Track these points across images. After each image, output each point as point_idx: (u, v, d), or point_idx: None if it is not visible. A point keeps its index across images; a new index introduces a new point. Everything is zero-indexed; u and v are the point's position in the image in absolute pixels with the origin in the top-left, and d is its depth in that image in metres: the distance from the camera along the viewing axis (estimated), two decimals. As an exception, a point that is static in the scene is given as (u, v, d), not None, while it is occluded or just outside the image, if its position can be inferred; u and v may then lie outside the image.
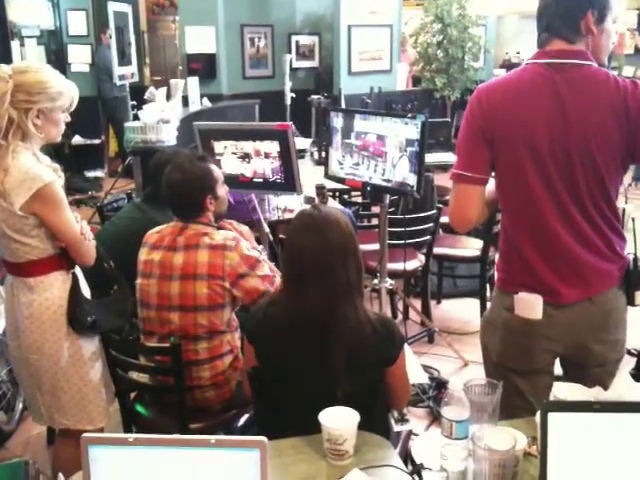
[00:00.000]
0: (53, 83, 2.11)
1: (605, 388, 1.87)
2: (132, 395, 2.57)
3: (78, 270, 2.27)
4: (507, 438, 1.48)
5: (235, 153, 3.29)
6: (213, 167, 2.54)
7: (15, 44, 6.84)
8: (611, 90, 1.79)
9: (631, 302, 1.97)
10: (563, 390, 1.69)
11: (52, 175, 2.10)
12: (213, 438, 1.22)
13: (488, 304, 4.24)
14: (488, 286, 4.30)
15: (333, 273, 1.77)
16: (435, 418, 3.22)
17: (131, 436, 1.25)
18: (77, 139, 8.39)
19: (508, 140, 1.85)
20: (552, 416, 1.33)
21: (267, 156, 3.23)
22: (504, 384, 1.95)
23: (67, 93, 2.16)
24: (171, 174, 2.45)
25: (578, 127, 1.80)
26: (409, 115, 2.99)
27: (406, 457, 2.07)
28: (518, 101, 1.84)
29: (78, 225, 2.18)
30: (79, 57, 8.66)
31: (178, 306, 2.35)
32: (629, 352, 2.39)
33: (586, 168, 1.82)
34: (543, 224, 1.86)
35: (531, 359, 1.97)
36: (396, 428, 2.07)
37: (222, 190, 2.55)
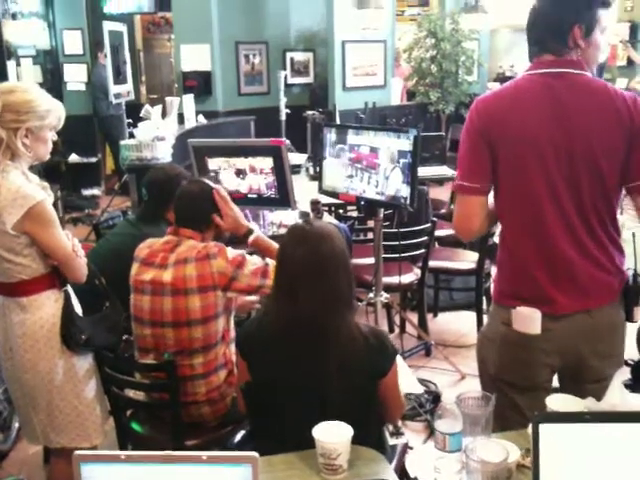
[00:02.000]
0: (41, 102, 2.13)
1: (599, 400, 1.88)
2: (128, 412, 2.57)
3: (70, 288, 2.27)
4: (500, 450, 1.48)
5: (228, 169, 3.31)
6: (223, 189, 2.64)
7: (11, 64, 6.86)
8: (612, 98, 1.83)
9: (630, 318, 1.97)
10: (556, 401, 1.69)
11: (42, 193, 2.11)
12: (205, 454, 1.22)
13: (485, 317, 4.25)
14: (485, 298, 4.31)
15: (324, 286, 1.77)
16: (432, 432, 3.21)
17: (123, 453, 1.25)
18: (73, 157, 8.42)
19: (511, 147, 1.86)
20: (544, 427, 1.33)
21: (261, 172, 3.25)
22: (500, 398, 1.95)
23: (55, 112, 2.18)
24: (189, 185, 2.58)
25: (581, 131, 1.82)
26: (402, 130, 3.01)
27: (402, 471, 2.07)
28: (517, 108, 1.86)
29: (69, 242, 2.18)
30: (75, 76, 8.70)
31: (171, 322, 2.35)
32: (625, 363, 2.39)
33: (591, 174, 1.83)
34: (545, 232, 1.87)
35: (530, 374, 1.97)
36: (391, 442, 2.07)
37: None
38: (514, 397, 1.98)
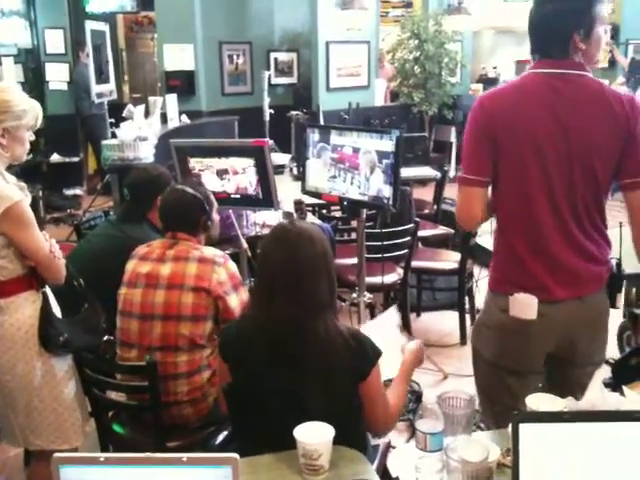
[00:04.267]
0: (18, 102, 2.12)
1: (583, 391, 1.97)
2: (109, 414, 2.55)
3: (48, 289, 2.26)
4: (480, 449, 1.49)
5: (210, 169, 3.30)
6: (210, 194, 2.66)
7: (-8, 63, 6.80)
8: (609, 99, 1.91)
9: (613, 304, 2.09)
10: (536, 401, 1.70)
11: (20, 194, 2.10)
12: (185, 456, 1.22)
13: (467, 316, 4.28)
14: (467, 298, 4.33)
15: (302, 289, 1.76)
16: (414, 431, 3.22)
17: (102, 455, 1.24)
18: (55, 157, 8.34)
19: (511, 143, 1.93)
20: (523, 427, 1.33)
21: (244, 172, 3.24)
22: (496, 384, 2.04)
23: (32, 111, 2.16)
24: (174, 191, 2.58)
25: (578, 130, 1.89)
26: (385, 130, 3.02)
27: (384, 471, 2.07)
28: (519, 105, 1.93)
29: (47, 243, 2.17)
30: (57, 75, 8.62)
31: (161, 315, 2.36)
32: (606, 361, 2.43)
33: (585, 172, 1.92)
34: (538, 225, 1.96)
35: (527, 359, 2.06)
36: (373, 441, 2.07)
37: (215, 216, 2.65)
38: (510, 382, 2.06)
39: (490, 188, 2.04)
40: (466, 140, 2.03)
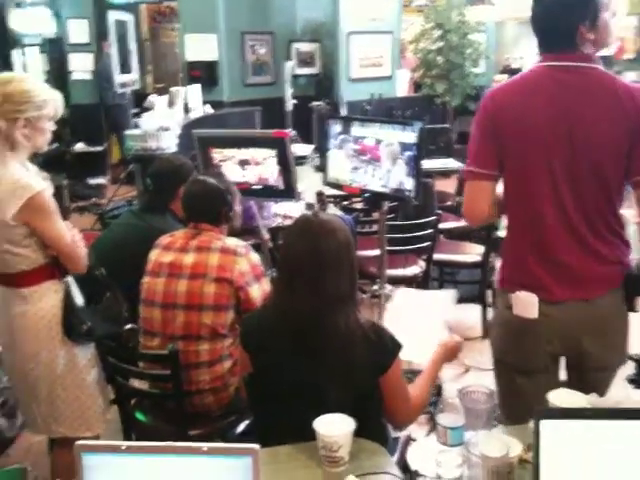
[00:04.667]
0: (38, 92, 2.13)
1: (604, 394, 1.88)
2: (132, 402, 2.58)
3: (70, 278, 2.27)
4: (501, 445, 1.48)
5: (232, 160, 3.31)
6: (232, 184, 2.68)
7: (17, 52, 6.87)
8: (618, 93, 1.84)
9: (631, 308, 1.99)
10: (558, 397, 1.68)
11: (42, 183, 2.12)
12: (205, 445, 1.22)
13: (489, 310, 4.25)
14: (490, 291, 4.30)
15: (323, 281, 1.75)
16: (435, 424, 3.21)
17: (124, 444, 1.25)
18: (80, 146, 8.42)
19: (515, 137, 1.90)
20: (544, 423, 1.32)
21: (266, 163, 3.24)
22: (500, 380, 2.00)
23: (52, 102, 2.18)
24: (196, 181, 2.60)
25: (584, 126, 1.84)
26: (407, 122, 3.01)
27: (404, 464, 2.07)
28: (525, 99, 1.89)
29: (69, 233, 2.18)
30: (80, 65, 8.70)
31: (184, 304, 2.38)
32: (630, 357, 2.39)
33: (593, 169, 1.86)
34: (543, 225, 1.91)
35: (528, 358, 2.02)
36: (394, 434, 2.07)
37: (238, 207, 2.66)
38: (516, 380, 2.04)
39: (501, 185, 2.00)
40: (473, 133, 1.99)
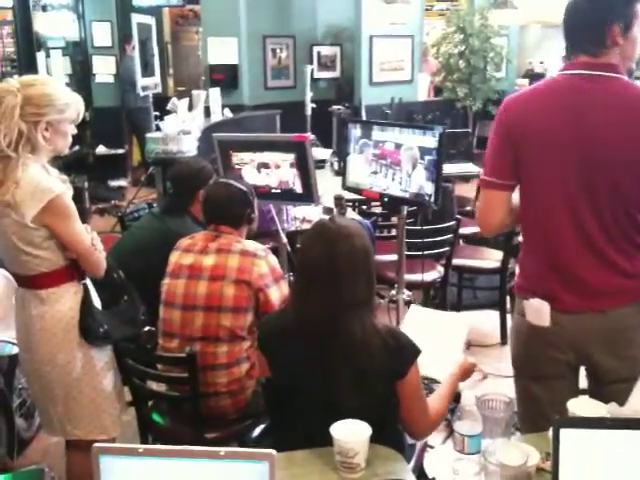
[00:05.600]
0: (60, 95, 2.14)
1: (623, 404, 1.85)
2: (149, 403, 2.59)
3: (88, 281, 2.29)
4: (520, 453, 1.46)
5: (251, 164, 3.32)
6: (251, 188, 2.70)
7: (41, 55, 6.94)
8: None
9: None
10: (578, 405, 1.66)
11: (62, 186, 2.13)
12: (222, 450, 1.23)
13: (508, 316, 4.22)
14: (508, 298, 4.27)
15: (340, 286, 1.74)
16: (452, 431, 3.19)
17: (141, 447, 1.25)
18: (101, 149, 8.50)
19: (531, 148, 1.87)
20: (564, 432, 1.31)
21: (285, 166, 3.25)
22: (520, 389, 1.99)
23: (74, 105, 2.19)
24: (219, 185, 2.63)
25: (603, 140, 1.80)
26: (428, 126, 3.00)
27: (420, 471, 2.06)
28: (542, 109, 1.86)
29: (88, 236, 2.20)
30: (103, 68, 8.78)
31: (203, 306, 2.39)
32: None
33: (610, 183, 1.82)
34: (556, 235, 1.88)
35: (539, 365, 2.01)
36: (410, 441, 2.05)
37: (256, 209, 2.68)
38: (531, 387, 2.03)
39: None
40: (489, 142, 1.97)
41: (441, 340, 2.08)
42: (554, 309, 1.91)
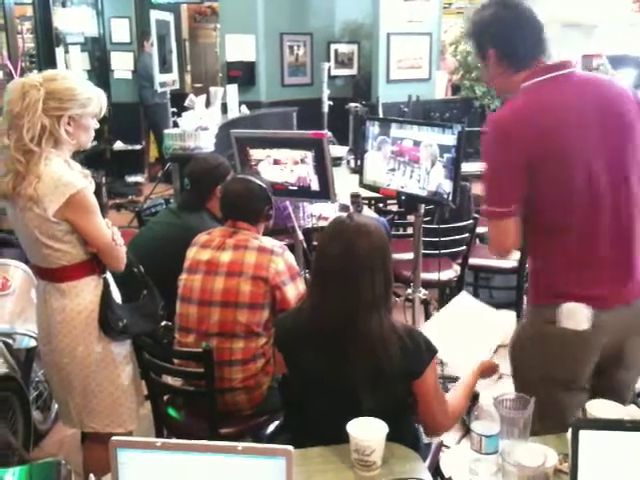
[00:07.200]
0: (82, 90, 2.15)
1: (629, 391, 1.93)
2: (164, 398, 2.60)
3: (109, 275, 2.30)
4: (537, 454, 1.46)
5: (268, 160, 3.32)
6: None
7: (60, 51, 6.99)
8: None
9: None
10: (596, 407, 1.65)
11: (84, 181, 2.14)
12: (240, 445, 1.23)
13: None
14: (525, 298, 4.24)
15: (356, 284, 1.73)
16: (468, 430, 3.18)
17: (159, 440, 1.26)
18: (118, 144, 8.55)
19: (558, 158, 1.83)
20: (583, 434, 1.30)
21: (303, 163, 3.24)
22: (545, 398, 1.93)
23: (96, 99, 2.20)
24: (238, 181, 2.64)
25: (620, 113, 1.88)
26: (446, 124, 2.98)
27: (436, 470, 2.05)
28: (561, 119, 1.85)
29: (109, 231, 2.21)
30: (122, 64, 8.83)
31: (220, 302, 2.40)
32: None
33: (635, 161, 1.88)
34: (590, 233, 1.88)
35: (579, 371, 1.96)
36: (426, 440, 2.05)
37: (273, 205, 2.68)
38: (561, 397, 1.97)
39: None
40: (491, 166, 1.91)
41: (477, 334, 2.04)
42: (593, 309, 1.87)
